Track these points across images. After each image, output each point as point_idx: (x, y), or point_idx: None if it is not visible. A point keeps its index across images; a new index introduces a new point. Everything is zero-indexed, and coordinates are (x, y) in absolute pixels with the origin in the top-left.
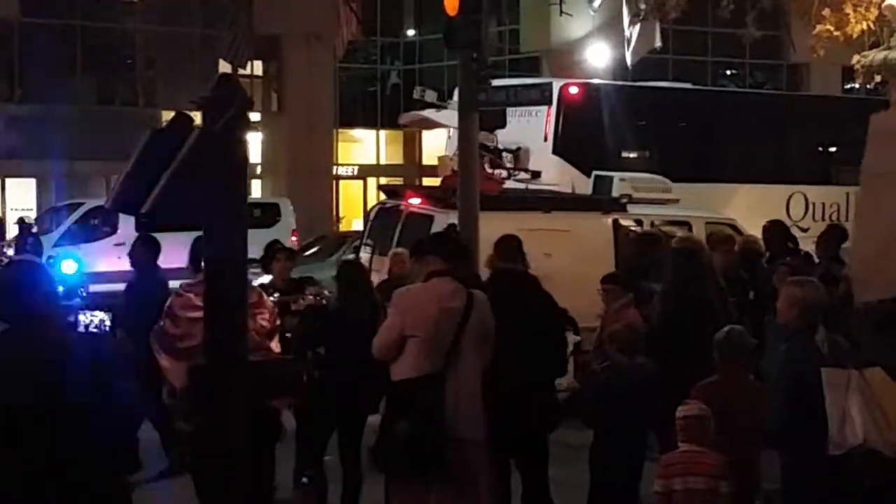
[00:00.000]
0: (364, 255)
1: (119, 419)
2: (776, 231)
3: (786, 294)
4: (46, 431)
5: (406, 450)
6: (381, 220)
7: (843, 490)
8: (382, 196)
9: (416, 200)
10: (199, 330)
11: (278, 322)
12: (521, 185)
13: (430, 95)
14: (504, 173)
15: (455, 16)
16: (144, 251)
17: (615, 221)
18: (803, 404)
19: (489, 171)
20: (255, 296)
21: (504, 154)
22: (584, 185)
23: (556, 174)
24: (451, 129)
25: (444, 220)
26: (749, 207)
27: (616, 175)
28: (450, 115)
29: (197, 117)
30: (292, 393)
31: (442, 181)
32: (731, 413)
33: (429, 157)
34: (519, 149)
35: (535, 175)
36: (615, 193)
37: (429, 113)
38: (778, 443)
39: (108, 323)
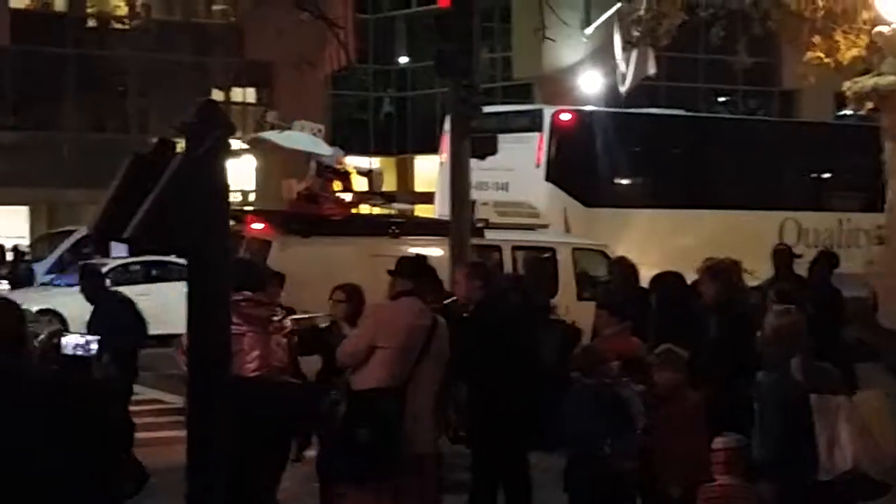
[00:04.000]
0: None
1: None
2: (783, 256)
3: (764, 324)
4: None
5: (366, 455)
6: None
7: None
8: None
9: (258, 226)
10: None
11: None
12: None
13: (272, 116)
14: (351, 196)
15: (447, 37)
16: (91, 282)
17: (471, 246)
18: (787, 431)
19: (339, 194)
20: (281, 313)
21: (356, 176)
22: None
23: (548, 200)
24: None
25: (281, 245)
26: (739, 234)
27: (479, 199)
28: (290, 138)
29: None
30: (312, 421)
31: (288, 205)
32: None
33: (422, 184)
34: (371, 171)
35: (390, 199)
36: (476, 217)
37: (268, 135)
38: (764, 470)
39: (94, 346)
